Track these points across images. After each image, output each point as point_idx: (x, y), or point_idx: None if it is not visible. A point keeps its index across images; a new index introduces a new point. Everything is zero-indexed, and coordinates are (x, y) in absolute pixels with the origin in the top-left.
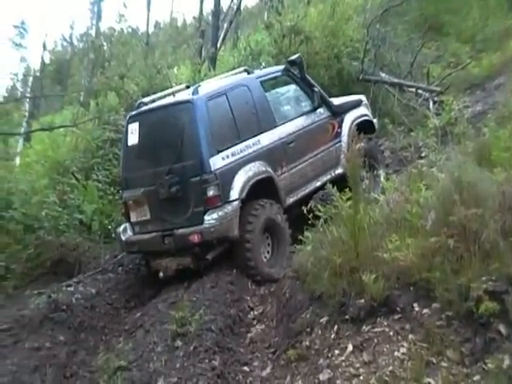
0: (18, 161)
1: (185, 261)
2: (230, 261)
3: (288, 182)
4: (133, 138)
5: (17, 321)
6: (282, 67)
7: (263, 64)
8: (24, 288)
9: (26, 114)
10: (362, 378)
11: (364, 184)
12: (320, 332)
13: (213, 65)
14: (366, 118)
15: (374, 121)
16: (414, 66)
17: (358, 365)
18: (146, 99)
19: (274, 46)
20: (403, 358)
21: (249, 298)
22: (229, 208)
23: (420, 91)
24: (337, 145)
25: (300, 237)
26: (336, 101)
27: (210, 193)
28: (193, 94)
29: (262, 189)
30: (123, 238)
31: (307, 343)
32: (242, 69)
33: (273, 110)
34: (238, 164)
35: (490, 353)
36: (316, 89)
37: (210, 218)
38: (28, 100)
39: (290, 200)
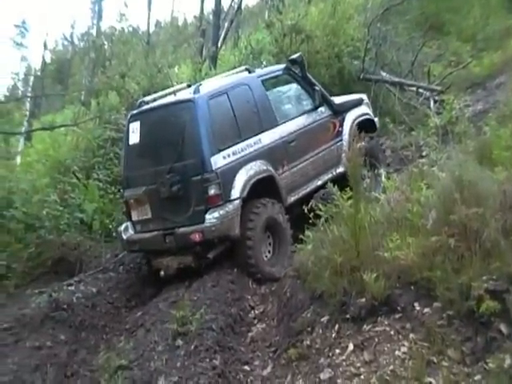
0: (18, 160)
1: (186, 260)
2: (231, 260)
3: (289, 181)
4: (134, 137)
5: (18, 320)
6: (282, 66)
7: (264, 63)
8: (25, 287)
9: (27, 113)
10: (362, 377)
11: (365, 183)
12: (321, 331)
13: (214, 64)
14: (367, 116)
15: (375, 120)
16: (414, 64)
17: (358, 364)
18: (147, 98)
19: (275, 45)
20: (404, 358)
21: (250, 297)
22: (230, 207)
23: (421, 90)
24: (338, 144)
25: (301, 236)
26: (337, 100)
27: (211, 192)
28: (194, 92)
29: (263, 188)
30: (124, 237)
31: (308, 342)
32: (242, 68)
33: (274, 108)
34: (239, 163)
35: (491, 352)
36: (317, 88)
37: (211, 217)
38: (29, 99)
39: (291, 199)
